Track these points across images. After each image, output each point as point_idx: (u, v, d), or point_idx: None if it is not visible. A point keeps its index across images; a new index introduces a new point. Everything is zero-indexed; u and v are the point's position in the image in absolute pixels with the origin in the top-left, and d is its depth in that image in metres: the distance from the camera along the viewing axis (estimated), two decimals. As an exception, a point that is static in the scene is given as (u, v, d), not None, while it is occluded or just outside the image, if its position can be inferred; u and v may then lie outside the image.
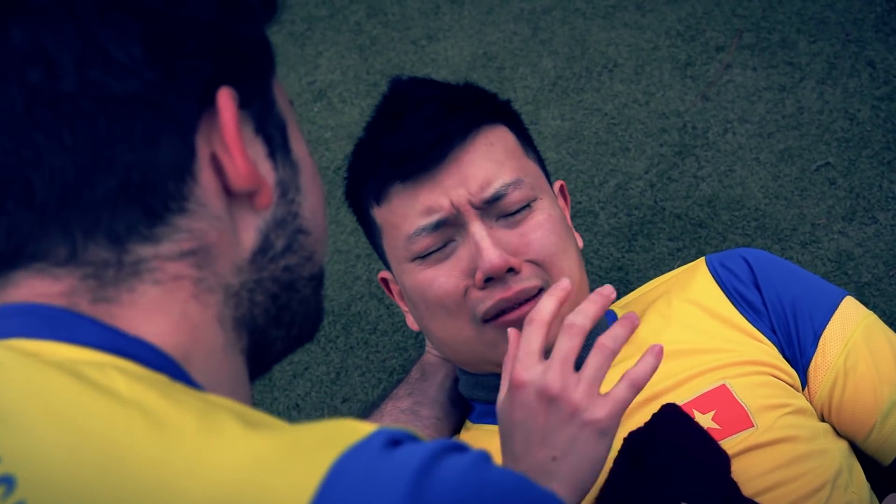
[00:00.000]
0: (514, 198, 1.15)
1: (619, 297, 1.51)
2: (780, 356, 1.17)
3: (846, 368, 1.15)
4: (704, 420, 1.10)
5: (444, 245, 1.15)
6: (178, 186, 0.60)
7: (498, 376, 1.16)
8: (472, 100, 1.22)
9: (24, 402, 0.55)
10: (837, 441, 1.16)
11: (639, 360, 0.95)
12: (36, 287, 0.59)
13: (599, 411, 0.91)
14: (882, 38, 1.68)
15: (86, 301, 0.59)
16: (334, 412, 1.59)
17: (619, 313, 1.28)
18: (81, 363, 0.56)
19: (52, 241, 0.59)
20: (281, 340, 0.68)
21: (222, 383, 0.62)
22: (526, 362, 0.94)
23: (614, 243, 1.60)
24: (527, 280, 1.13)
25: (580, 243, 1.24)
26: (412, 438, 0.54)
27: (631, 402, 0.94)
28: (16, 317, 0.59)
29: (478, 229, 1.13)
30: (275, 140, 0.65)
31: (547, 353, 0.96)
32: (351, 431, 0.54)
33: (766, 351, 1.17)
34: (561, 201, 1.27)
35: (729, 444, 1.08)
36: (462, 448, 0.55)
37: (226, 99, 0.61)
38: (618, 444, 1.08)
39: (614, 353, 0.94)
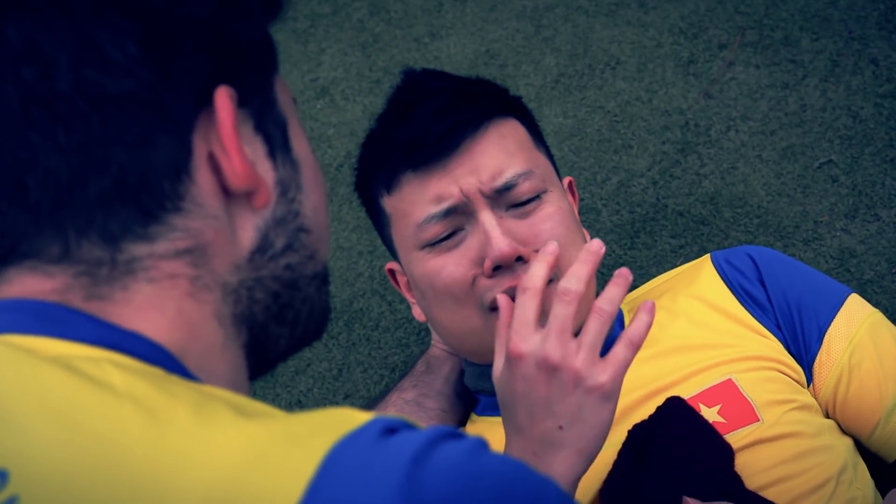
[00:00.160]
0: (525, 188, 1.15)
1: (621, 294, 1.52)
2: (786, 352, 1.17)
3: (851, 365, 1.15)
4: (710, 414, 1.10)
5: (454, 233, 1.15)
6: (174, 186, 0.60)
7: None
8: (484, 92, 1.22)
9: (17, 397, 0.55)
10: (842, 438, 1.16)
11: (634, 318, 0.95)
12: (28, 284, 0.59)
13: (602, 376, 0.91)
14: (885, 36, 1.68)
15: (79, 298, 0.59)
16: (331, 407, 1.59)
17: (625, 310, 1.28)
18: (76, 358, 0.56)
19: (45, 240, 0.59)
20: (285, 339, 0.67)
21: (221, 377, 0.62)
22: (523, 333, 0.93)
23: (617, 240, 1.60)
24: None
25: (588, 239, 1.24)
26: (408, 426, 0.54)
27: (630, 362, 0.93)
28: (8, 312, 0.59)
29: (487, 218, 1.12)
30: (275, 139, 0.65)
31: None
32: (346, 420, 0.53)
33: (772, 346, 1.17)
34: (569, 197, 1.27)
35: (734, 439, 1.08)
36: (459, 435, 0.54)
37: (223, 98, 0.61)
38: (622, 436, 1.08)
39: (612, 317, 0.94)
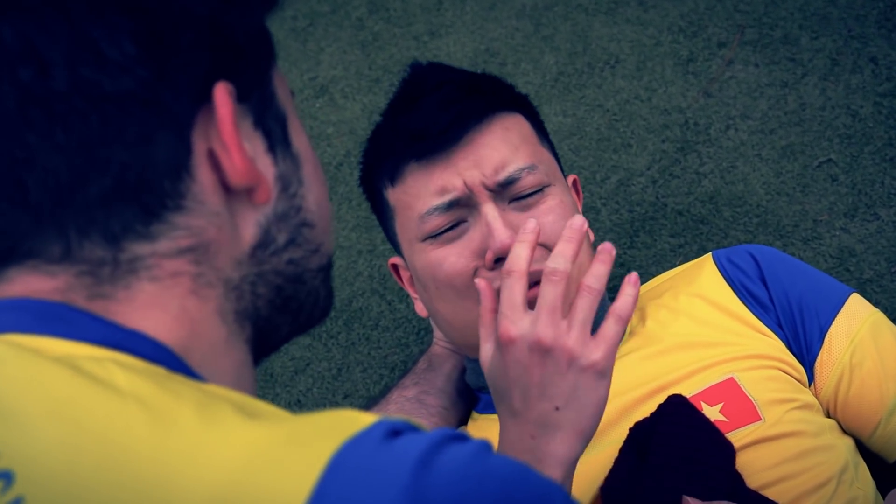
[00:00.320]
0: (528, 182, 1.15)
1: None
2: (788, 351, 1.17)
3: (852, 365, 1.15)
4: (712, 412, 1.10)
5: (456, 225, 1.15)
6: (175, 184, 0.60)
7: None
8: (489, 86, 1.22)
9: (23, 397, 0.55)
10: (843, 437, 1.16)
11: (619, 294, 0.94)
12: (29, 283, 0.59)
13: (595, 354, 0.90)
14: (884, 35, 1.68)
15: (82, 297, 0.59)
16: (335, 408, 1.59)
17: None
18: (80, 358, 0.56)
19: (46, 240, 0.59)
20: (287, 325, 0.68)
21: (226, 374, 0.62)
22: (512, 316, 0.92)
23: (616, 239, 1.60)
24: (536, 262, 1.13)
25: (591, 237, 1.24)
26: (412, 429, 0.54)
27: (622, 337, 0.93)
28: (11, 312, 0.59)
29: (490, 210, 1.12)
30: (274, 134, 0.65)
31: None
32: (351, 422, 0.53)
33: (774, 345, 1.17)
34: (573, 195, 1.27)
35: (736, 437, 1.08)
36: (463, 438, 0.54)
37: (222, 94, 0.61)
38: (624, 434, 1.08)
39: (600, 293, 0.93)
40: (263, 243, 0.64)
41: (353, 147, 1.80)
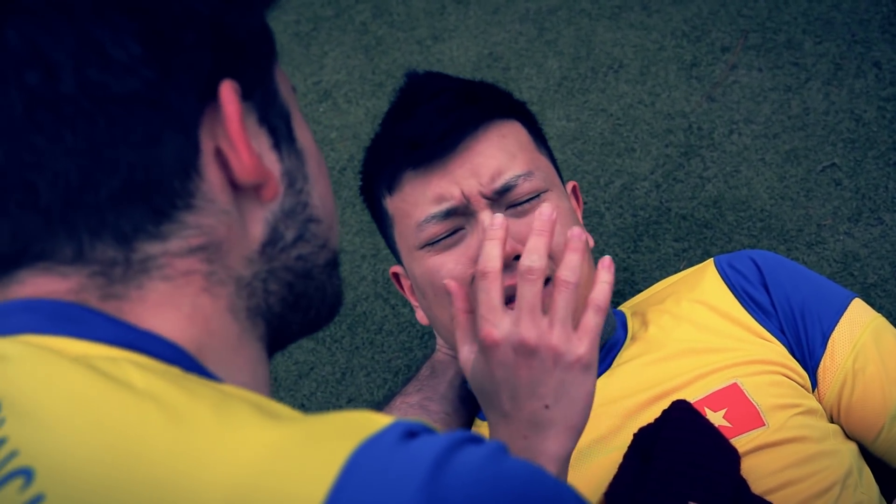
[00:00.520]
0: (524, 189, 1.15)
1: (625, 298, 1.52)
2: (791, 356, 1.17)
3: (855, 370, 1.15)
4: (716, 418, 1.10)
5: (454, 232, 1.15)
6: (184, 183, 0.60)
7: None
8: (486, 94, 1.22)
9: (41, 395, 0.55)
10: (847, 442, 1.16)
11: (594, 284, 0.94)
12: (42, 285, 0.59)
13: (579, 348, 0.90)
14: (888, 39, 1.68)
15: (95, 298, 0.59)
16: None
17: (628, 314, 1.28)
18: (95, 358, 0.56)
19: (57, 242, 0.59)
20: (297, 323, 0.68)
21: (241, 371, 0.63)
22: (493, 319, 0.91)
23: (620, 244, 1.60)
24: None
25: (591, 243, 1.24)
26: (428, 430, 0.54)
27: (602, 327, 0.92)
28: (25, 313, 0.59)
29: (486, 217, 1.13)
30: (279, 130, 0.65)
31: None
32: (368, 423, 0.53)
33: (777, 350, 1.17)
34: (573, 201, 1.27)
35: (740, 443, 1.08)
36: (478, 440, 0.54)
37: (228, 92, 0.61)
38: (628, 439, 1.08)
39: (577, 285, 0.92)
40: (273, 240, 0.64)
41: (356, 151, 1.80)
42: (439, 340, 1.35)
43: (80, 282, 0.59)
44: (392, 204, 1.21)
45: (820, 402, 1.17)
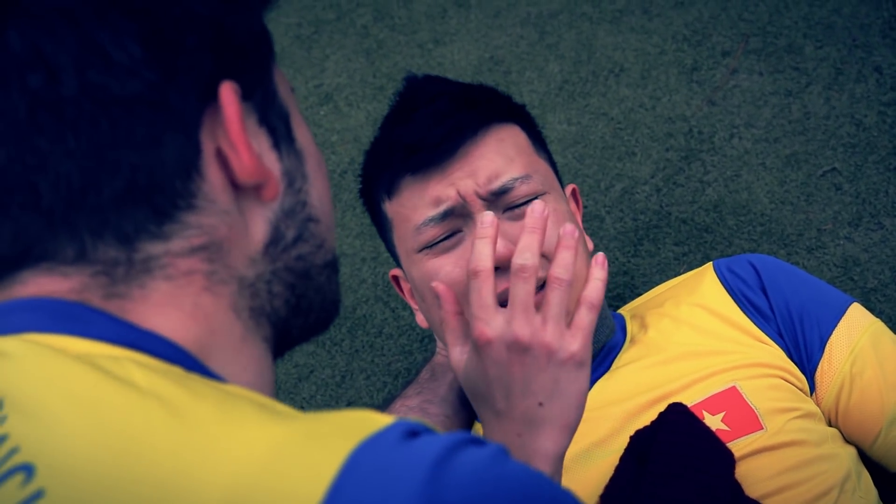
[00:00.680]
0: (522, 191, 1.15)
1: (624, 301, 1.52)
2: (789, 360, 1.17)
3: (853, 374, 1.15)
4: (714, 421, 1.10)
5: (451, 235, 1.15)
6: (185, 184, 0.60)
7: None
8: (484, 97, 1.22)
9: (44, 392, 0.56)
10: (846, 446, 1.16)
11: (588, 281, 0.94)
12: (44, 284, 0.60)
13: (573, 345, 0.90)
14: (889, 44, 1.68)
15: (97, 297, 0.59)
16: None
17: (628, 318, 1.28)
18: (97, 356, 0.57)
19: (60, 243, 0.59)
20: (298, 328, 0.68)
21: (245, 370, 0.63)
22: (485, 317, 0.91)
23: (620, 248, 1.60)
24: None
25: (590, 246, 1.24)
26: (429, 431, 0.54)
27: (595, 324, 0.92)
28: (28, 311, 0.59)
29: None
30: (278, 130, 0.66)
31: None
32: (369, 422, 0.54)
33: (775, 354, 1.17)
34: (573, 205, 1.27)
35: (738, 446, 1.08)
36: (480, 441, 0.54)
37: (228, 94, 0.61)
38: (624, 442, 1.08)
39: (570, 283, 0.92)
40: (274, 240, 0.65)
41: (357, 155, 1.80)
42: (439, 344, 1.35)
43: (82, 281, 0.59)
44: (391, 208, 1.21)
45: (818, 406, 1.17)
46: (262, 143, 0.64)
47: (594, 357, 1.21)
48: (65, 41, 0.57)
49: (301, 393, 1.62)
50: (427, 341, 1.62)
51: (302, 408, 1.61)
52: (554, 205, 1.17)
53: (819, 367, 1.17)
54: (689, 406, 1.10)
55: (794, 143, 1.62)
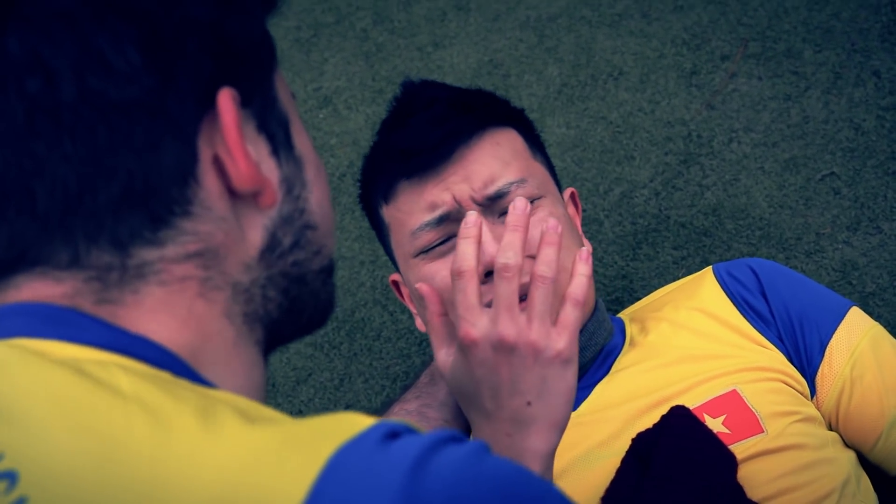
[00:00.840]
0: (517, 195, 1.15)
1: (623, 305, 1.52)
2: (789, 363, 1.18)
3: (853, 378, 1.15)
4: (715, 424, 1.10)
5: (447, 239, 1.16)
6: (182, 190, 0.60)
7: None
8: (481, 102, 1.22)
9: (27, 399, 0.55)
10: (846, 450, 1.16)
11: (572, 278, 0.93)
12: (37, 289, 0.60)
13: (559, 343, 0.89)
14: (887, 48, 1.68)
15: (89, 302, 0.59)
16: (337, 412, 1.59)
17: (627, 321, 1.28)
18: (85, 361, 0.56)
19: (54, 247, 0.59)
20: (290, 328, 0.68)
21: (236, 375, 0.63)
22: (471, 318, 0.90)
23: (619, 251, 1.60)
24: (527, 275, 1.12)
25: (588, 249, 1.24)
26: (411, 431, 0.54)
27: (581, 321, 0.91)
28: (19, 316, 0.59)
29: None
30: (277, 137, 0.65)
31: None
32: (350, 425, 0.54)
33: (776, 358, 1.17)
34: (571, 208, 1.27)
35: (738, 450, 1.08)
36: (460, 439, 0.54)
37: (226, 101, 0.61)
38: (626, 445, 1.08)
39: (553, 280, 0.91)
40: (271, 246, 0.65)
41: (356, 158, 1.80)
42: (438, 347, 1.35)
43: (74, 286, 0.59)
44: (388, 213, 1.21)
45: (818, 410, 1.17)
46: (260, 149, 0.64)
47: (593, 360, 1.21)
48: (63, 46, 0.57)
49: (299, 396, 1.62)
50: (425, 345, 1.62)
51: (300, 411, 1.61)
52: (550, 208, 1.17)
53: (819, 370, 1.17)
54: (689, 409, 1.10)
55: (793, 148, 1.62)
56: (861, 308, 1.23)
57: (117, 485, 0.52)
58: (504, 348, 0.89)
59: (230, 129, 0.61)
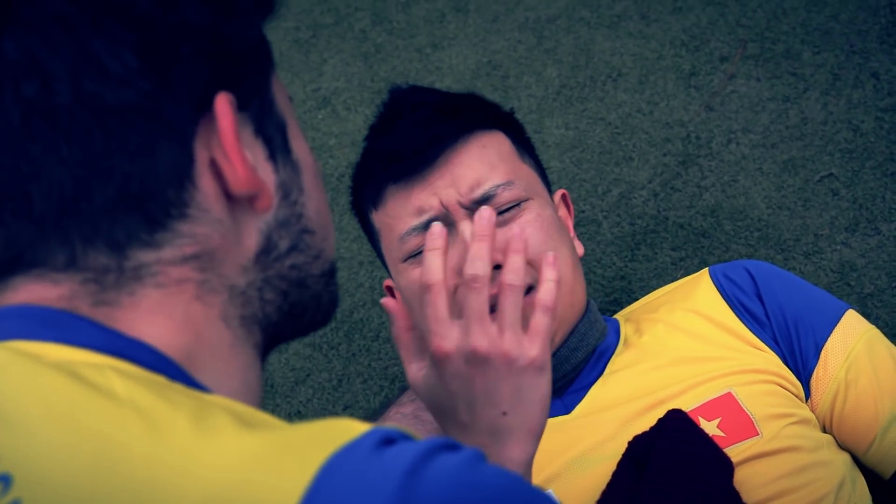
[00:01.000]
0: (504, 198, 1.15)
1: (622, 306, 1.52)
2: (785, 366, 1.18)
3: (847, 381, 1.15)
4: (710, 427, 1.11)
5: None
6: (178, 193, 0.60)
7: None
8: (467, 106, 1.22)
9: (22, 401, 0.55)
10: (841, 453, 1.16)
11: (539, 284, 0.92)
12: (34, 291, 0.60)
13: (532, 350, 0.88)
14: (886, 50, 1.68)
15: (86, 305, 0.59)
16: (332, 417, 1.59)
17: (622, 322, 1.28)
18: (79, 364, 0.56)
19: (50, 249, 0.59)
20: (290, 330, 0.68)
21: (232, 378, 0.63)
22: (441, 331, 0.89)
23: (617, 252, 1.60)
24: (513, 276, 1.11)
25: (580, 251, 1.24)
26: (406, 438, 0.54)
27: (552, 327, 0.91)
28: (15, 319, 0.59)
29: (466, 228, 1.13)
30: (275, 141, 0.65)
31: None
32: (344, 431, 0.54)
33: (771, 360, 1.17)
34: (563, 210, 1.27)
35: (734, 452, 1.08)
36: (455, 446, 0.54)
37: (223, 105, 0.61)
38: (622, 447, 1.08)
39: (522, 288, 0.90)
40: (266, 249, 0.65)
41: (354, 159, 1.80)
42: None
43: (71, 288, 0.59)
44: (378, 218, 1.22)
45: (813, 412, 1.17)
46: (257, 153, 0.64)
47: (586, 361, 1.21)
48: (60, 49, 0.57)
49: (297, 397, 1.62)
50: (424, 345, 1.62)
51: (299, 412, 1.61)
52: (539, 211, 1.17)
53: (814, 373, 1.17)
54: (685, 412, 1.10)
55: (792, 149, 1.63)
56: (859, 309, 1.23)
57: (111, 489, 0.52)
58: (477, 360, 0.88)
59: (227, 134, 0.61)
